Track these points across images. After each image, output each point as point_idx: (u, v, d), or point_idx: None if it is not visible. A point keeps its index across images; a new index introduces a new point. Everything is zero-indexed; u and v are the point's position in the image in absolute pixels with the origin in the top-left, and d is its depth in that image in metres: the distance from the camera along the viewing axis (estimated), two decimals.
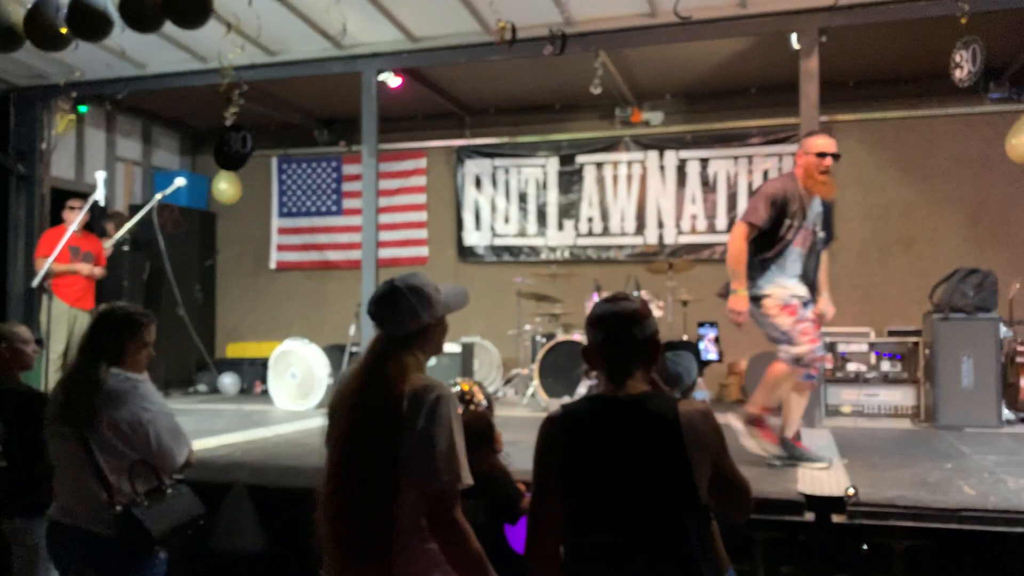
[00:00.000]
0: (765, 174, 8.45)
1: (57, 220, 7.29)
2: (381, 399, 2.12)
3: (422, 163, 9.58)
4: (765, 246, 4.38)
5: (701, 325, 3.35)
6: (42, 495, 3.37)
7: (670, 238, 8.73)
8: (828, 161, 4.41)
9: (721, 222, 8.58)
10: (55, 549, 2.96)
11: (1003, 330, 6.19)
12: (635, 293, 7.16)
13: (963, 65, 5.48)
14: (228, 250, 10.14)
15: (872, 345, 6.80)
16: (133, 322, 3.04)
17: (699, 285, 7.81)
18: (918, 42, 6.58)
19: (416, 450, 2.07)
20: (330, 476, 2.17)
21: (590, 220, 9.03)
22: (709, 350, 3.28)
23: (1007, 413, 6.14)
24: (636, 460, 2.02)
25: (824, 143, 4.46)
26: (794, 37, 6.24)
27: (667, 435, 2.01)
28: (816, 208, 4.51)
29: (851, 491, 3.68)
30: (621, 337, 2.12)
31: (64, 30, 5.24)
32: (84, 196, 6.83)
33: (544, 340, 7.37)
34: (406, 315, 2.21)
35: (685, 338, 7.38)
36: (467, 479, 2.11)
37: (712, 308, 7.40)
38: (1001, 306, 6.31)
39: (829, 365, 6.73)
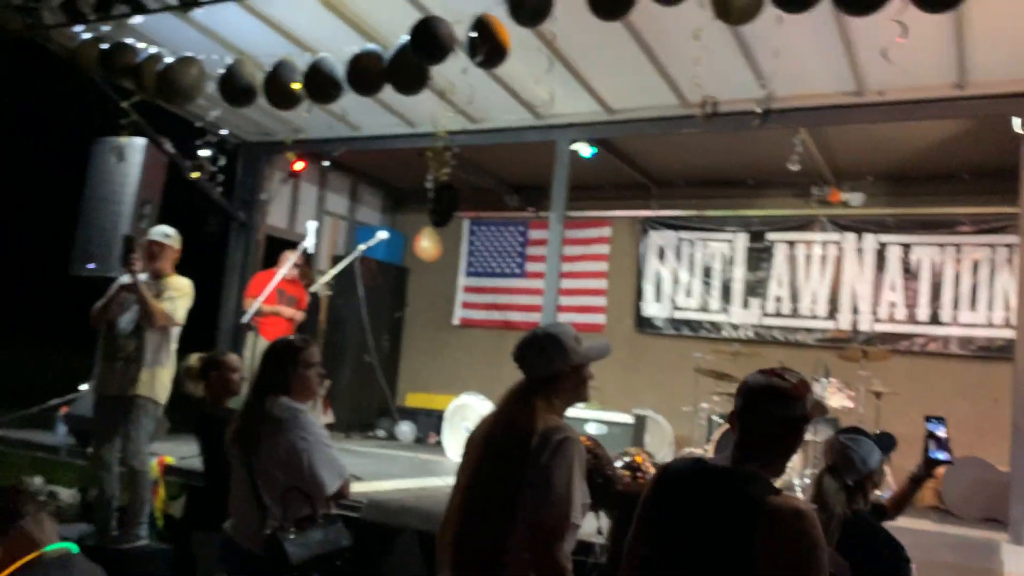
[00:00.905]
0: (975, 264, 7.88)
1: (269, 265, 7.93)
2: (510, 434, 2.29)
3: (606, 232, 9.67)
4: None
5: (929, 420, 3.13)
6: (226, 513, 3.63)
7: (865, 325, 8.28)
8: None
9: (923, 312, 8.06)
10: (224, 562, 3.18)
11: None
12: (823, 379, 6.82)
13: None
14: (416, 304, 10.59)
15: None
16: (291, 349, 3.23)
17: (894, 377, 7.35)
18: None
19: (534, 483, 2.19)
20: (455, 503, 2.35)
21: (778, 300, 8.74)
22: (938, 450, 3.04)
23: None
24: (703, 536, 1.92)
25: None
26: (1017, 121, 5.84)
27: (742, 519, 1.88)
28: None
29: None
30: (756, 410, 2.05)
31: (297, 87, 5.74)
32: (296, 245, 7.38)
33: (720, 420, 7.13)
34: (541, 359, 2.40)
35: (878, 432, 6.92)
36: (577, 520, 2.21)
37: (905, 411, 6.93)
38: None
39: None
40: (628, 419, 7.54)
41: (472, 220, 10.42)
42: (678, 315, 9.24)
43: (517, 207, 10.03)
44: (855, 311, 8.34)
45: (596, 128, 7.34)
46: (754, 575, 1.85)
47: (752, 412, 2.07)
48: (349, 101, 6.24)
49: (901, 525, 5.33)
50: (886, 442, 2.89)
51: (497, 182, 9.86)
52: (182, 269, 5.56)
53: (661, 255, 9.37)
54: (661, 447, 8.22)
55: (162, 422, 5.55)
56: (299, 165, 8.88)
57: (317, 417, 8.37)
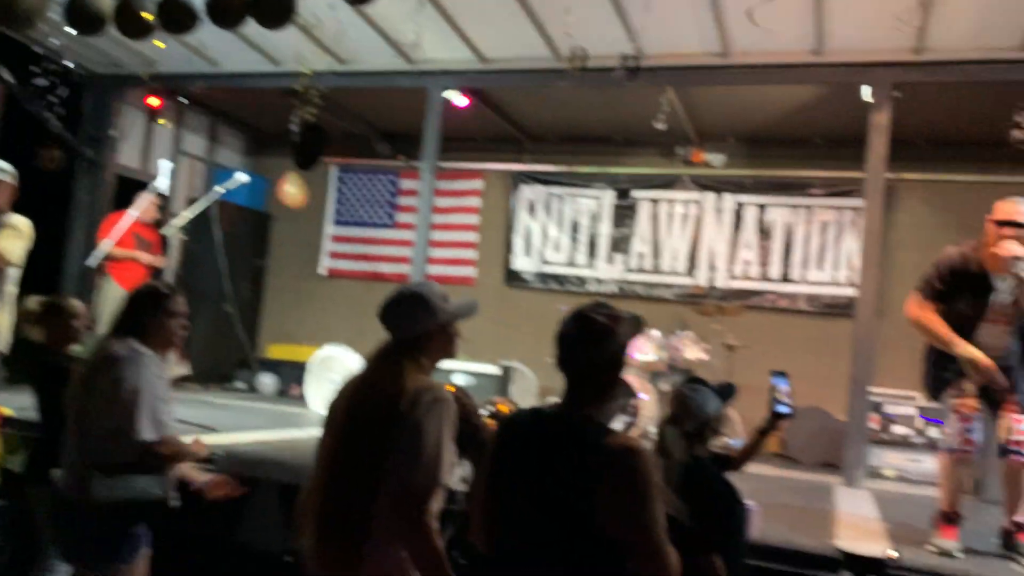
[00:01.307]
0: (824, 226, 8.33)
1: (122, 206, 7.45)
2: (378, 396, 2.23)
3: (478, 184, 9.62)
4: None
5: (773, 375, 3.25)
6: None
7: (721, 282, 8.62)
8: (1008, 231, 3.95)
9: (775, 271, 8.46)
10: (54, 516, 3.05)
11: None
12: (680, 333, 7.08)
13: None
14: (280, 252, 10.26)
15: (920, 410, 6.61)
16: (156, 295, 3.08)
17: (746, 331, 7.69)
18: (992, 106, 6.45)
19: (404, 444, 2.14)
20: (320, 468, 2.27)
21: (641, 256, 8.97)
22: (781, 404, 3.17)
23: None
24: (547, 481, 1.99)
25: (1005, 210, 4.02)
26: (867, 89, 6.15)
27: (585, 462, 1.95)
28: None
29: (894, 554, 3.55)
30: (576, 358, 2.09)
31: (150, 17, 5.36)
32: (147, 185, 6.96)
33: None
34: (408, 318, 2.35)
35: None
36: (446, 481, 2.18)
37: (756, 364, 7.28)
38: None
39: (874, 425, 6.56)
40: (495, 370, 7.60)
41: (340, 167, 10.14)
42: (546, 269, 9.35)
43: (388, 155, 9.81)
44: (712, 268, 8.67)
45: (469, 77, 7.24)
46: (596, 514, 1.91)
47: (573, 360, 2.10)
48: (208, 34, 5.90)
49: (747, 470, 5.64)
50: (726, 392, 2.99)
51: (368, 128, 9.60)
52: (22, 208, 5.14)
53: (531, 210, 9.42)
54: (527, 397, 8.35)
55: None
56: (154, 101, 8.33)
57: (171, 367, 8.03)
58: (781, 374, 3.20)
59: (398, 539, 2.14)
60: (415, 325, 2.34)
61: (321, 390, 7.44)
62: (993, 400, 4.06)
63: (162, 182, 6.68)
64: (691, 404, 2.85)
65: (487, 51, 6.95)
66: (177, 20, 5.44)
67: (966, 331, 4.04)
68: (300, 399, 8.04)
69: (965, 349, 3.94)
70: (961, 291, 4.05)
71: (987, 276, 4.02)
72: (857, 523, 4.43)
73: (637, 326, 2.18)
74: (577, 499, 1.94)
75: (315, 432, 6.06)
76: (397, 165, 9.81)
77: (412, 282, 2.48)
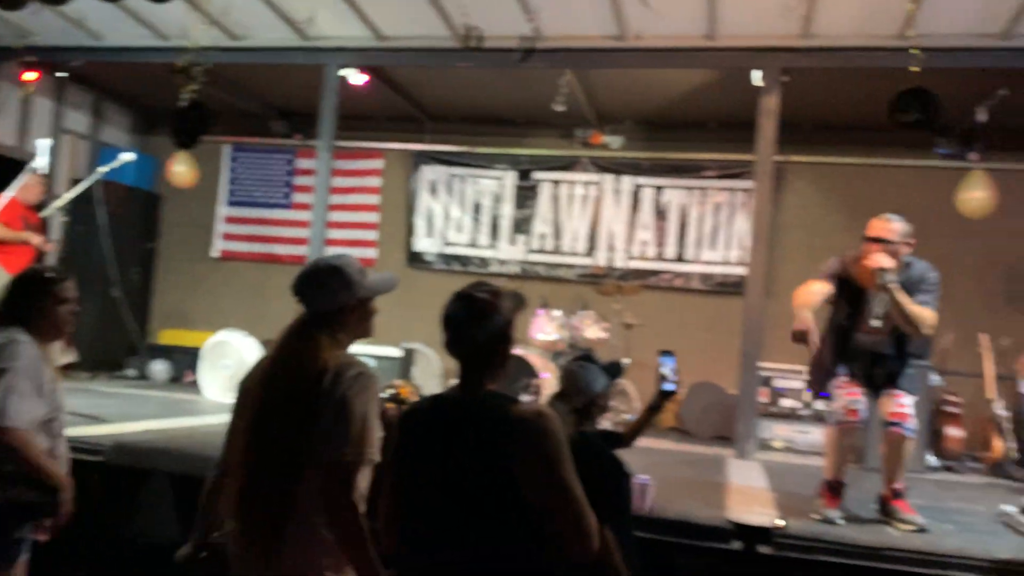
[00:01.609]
0: (717, 207, 8.57)
1: None
2: (296, 373, 2.16)
3: (378, 164, 9.49)
4: None
5: (661, 355, 3.33)
6: None
7: (620, 262, 8.78)
8: (875, 247, 4.11)
9: (670, 251, 8.67)
10: None
11: (933, 378, 6.34)
12: (581, 312, 7.18)
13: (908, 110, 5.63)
14: (171, 235, 9.89)
15: (807, 383, 6.89)
16: (41, 280, 2.94)
17: (644, 310, 7.87)
18: (875, 91, 6.74)
19: (330, 419, 2.09)
20: (237, 452, 2.20)
21: (542, 237, 9.04)
22: (668, 382, 3.26)
23: (932, 460, 6.29)
24: (460, 458, 2.01)
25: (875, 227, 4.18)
26: (757, 74, 6.34)
27: (494, 433, 1.99)
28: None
29: (780, 523, 3.71)
30: (464, 338, 2.12)
31: None
32: (24, 165, 6.59)
33: None
34: (324, 293, 2.27)
35: (627, 361, 7.42)
36: (374, 456, 2.13)
37: (653, 342, 7.46)
38: (933, 355, 6.46)
39: (764, 399, 6.83)
40: (397, 352, 7.55)
41: (234, 146, 9.82)
42: (449, 250, 9.32)
43: (284, 134, 9.56)
44: (611, 249, 8.82)
45: (367, 55, 7.12)
46: (515, 485, 1.95)
47: (462, 340, 2.13)
48: (88, 5, 5.59)
49: (644, 445, 5.79)
50: (613, 370, 3.08)
51: (262, 106, 9.33)
52: None
53: (433, 190, 9.36)
54: (429, 379, 8.33)
55: None
56: (30, 75, 7.86)
57: (57, 356, 7.61)
58: (668, 353, 3.29)
59: (324, 519, 2.10)
60: (332, 299, 2.26)
61: (216, 376, 7.25)
62: (876, 386, 4.29)
63: (41, 161, 6.31)
64: (579, 381, 2.93)
65: (385, 28, 6.84)
66: None
67: (844, 338, 4.30)
68: (194, 386, 7.80)
69: (801, 312, 4.18)
70: (840, 298, 4.26)
71: (863, 290, 4.23)
72: (747, 494, 4.61)
73: (519, 301, 2.22)
74: (495, 474, 1.96)
75: (209, 419, 5.91)
76: (294, 144, 9.57)
77: (330, 255, 2.38)
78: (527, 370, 6.62)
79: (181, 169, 8.52)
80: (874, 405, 4.32)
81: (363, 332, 2.37)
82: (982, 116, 6.81)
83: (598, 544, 2.02)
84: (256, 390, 2.23)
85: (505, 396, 2.10)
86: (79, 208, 7.45)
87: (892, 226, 4.15)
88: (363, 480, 2.14)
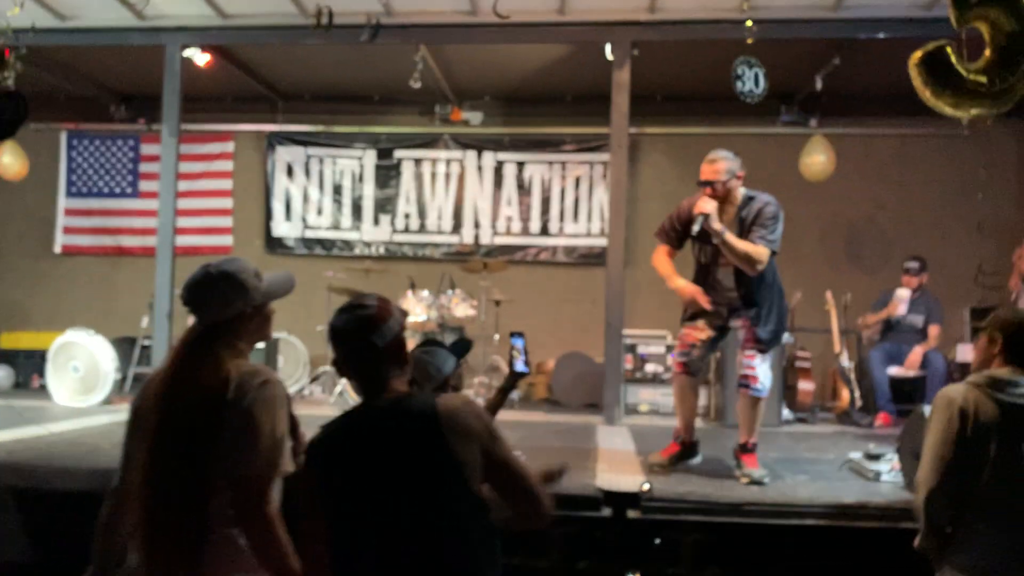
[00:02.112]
0: (577, 180, 8.70)
1: None
2: (196, 388, 2.05)
3: (229, 147, 9.11)
4: None
5: (512, 336, 3.35)
6: None
7: (486, 238, 8.80)
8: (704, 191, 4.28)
9: (534, 225, 8.75)
10: None
11: (785, 336, 6.68)
12: (449, 292, 7.16)
13: (745, 81, 5.86)
14: (7, 230, 9.20)
15: (669, 348, 7.14)
16: None
17: (511, 285, 7.94)
18: (719, 63, 6.98)
19: (236, 433, 2.00)
20: (140, 478, 2.06)
21: (407, 216, 8.94)
22: (519, 363, 3.28)
23: (787, 413, 6.65)
24: (399, 465, 1.97)
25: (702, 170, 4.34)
26: (608, 48, 6.45)
27: (427, 431, 1.98)
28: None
29: (646, 487, 3.82)
30: (363, 348, 2.08)
31: None
32: None
33: None
34: (219, 302, 2.15)
35: (497, 337, 7.47)
36: (286, 467, 2.06)
37: (522, 316, 7.55)
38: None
39: (629, 365, 7.02)
40: (260, 344, 7.30)
41: (71, 132, 9.20)
42: (310, 234, 9.08)
43: (126, 119, 9.03)
44: (477, 225, 8.83)
45: (210, 34, 6.79)
46: (462, 473, 1.95)
47: (359, 353, 2.08)
48: None
49: (515, 419, 5.85)
50: (460, 348, 3.09)
51: (101, 90, 8.77)
52: None
53: (290, 172, 9.07)
54: (296, 368, 8.14)
55: None
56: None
57: None
58: (518, 335, 3.31)
59: (239, 532, 2.02)
60: (227, 307, 2.15)
61: (64, 379, 6.81)
62: (725, 332, 4.50)
63: None
64: (428, 367, 2.95)
65: (226, 6, 6.54)
66: None
67: (705, 274, 4.43)
68: (42, 391, 7.32)
69: (674, 283, 4.35)
70: (695, 241, 4.39)
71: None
72: (616, 459, 4.72)
73: (405, 313, 2.22)
74: (441, 470, 1.95)
75: (60, 426, 5.55)
76: (138, 129, 9.07)
77: (220, 259, 2.22)
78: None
79: (7, 160, 7.93)
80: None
81: (262, 337, 2.28)
82: (819, 84, 7.18)
83: (551, 506, 2.08)
84: (151, 412, 2.09)
85: (423, 394, 2.12)
86: None
87: (717, 166, 4.30)
88: (276, 491, 2.05)
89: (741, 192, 4.37)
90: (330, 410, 6.75)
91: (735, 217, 4.31)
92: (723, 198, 4.27)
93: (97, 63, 7.99)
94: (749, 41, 5.60)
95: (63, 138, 9.20)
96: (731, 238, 4.17)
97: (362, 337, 2.07)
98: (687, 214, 4.36)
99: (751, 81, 5.75)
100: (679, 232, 4.45)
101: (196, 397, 2.05)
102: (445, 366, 2.98)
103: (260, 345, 7.10)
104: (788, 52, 6.65)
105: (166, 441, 2.04)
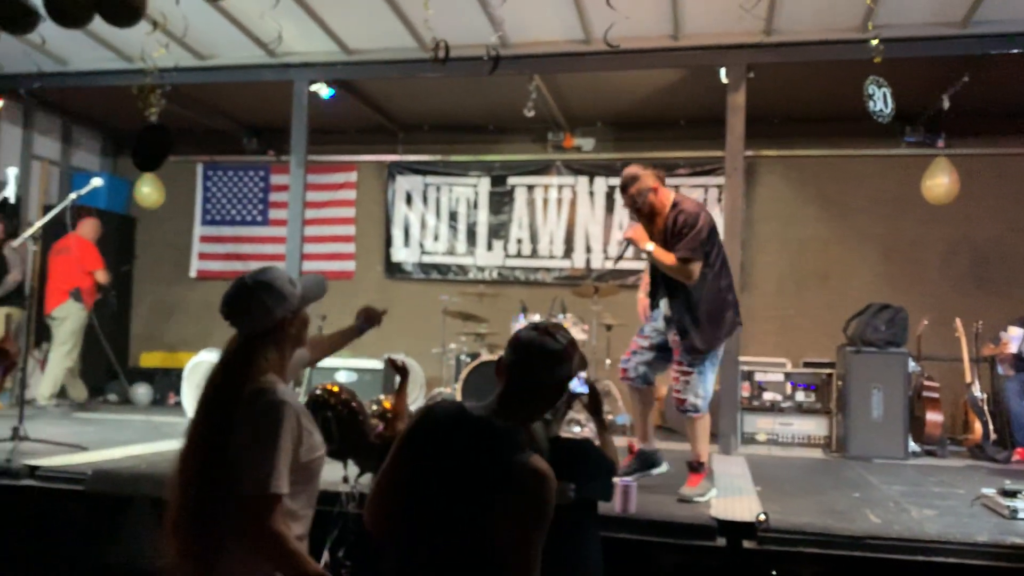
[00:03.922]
0: None
1: None
2: (223, 399, 2.10)
3: (352, 177, 9.49)
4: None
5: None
6: None
7: (597, 263, 8.82)
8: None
9: None
10: None
11: (911, 365, 6.41)
12: (560, 316, 7.20)
13: (876, 101, 5.71)
14: (147, 256, 9.84)
15: (787, 375, 6.95)
16: None
17: (622, 310, 7.90)
18: (839, 83, 6.82)
19: (235, 452, 2.04)
20: (175, 469, 2.14)
21: (519, 242, 9.07)
22: (577, 384, 3.31)
23: (913, 446, 6.35)
24: (452, 481, 2.01)
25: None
26: (723, 71, 6.40)
27: (488, 475, 1.98)
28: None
29: (762, 517, 3.74)
30: (528, 371, 2.11)
31: None
32: None
33: (468, 359, 7.34)
34: (260, 311, 2.18)
35: (608, 362, 7.46)
36: (279, 489, 2.05)
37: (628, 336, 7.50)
38: (910, 341, 6.54)
39: (746, 393, 6.87)
40: (378, 365, 7.54)
41: (207, 164, 9.78)
42: (426, 259, 9.32)
43: (257, 151, 9.54)
44: (588, 250, 8.85)
45: (335, 69, 7.13)
46: (491, 523, 1.94)
47: (524, 371, 2.11)
48: (51, 31, 5.56)
49: (625, 447, 5.81)
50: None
51: (234, 124, 9.31)
52: None
53: (408, 200, 9.36)
54: (412, 389, 8.33)
55: None
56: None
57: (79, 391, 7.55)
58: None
59: (249, 548, 2.05)
60: (267, 317, 2.18)
61: (197, 396, 7.21)
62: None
63: (8, 190, 6.27)
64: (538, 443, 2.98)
65: (351, 42, 6.85)
66: (14, 20, 5.10)
67: (655, 287, 4.60)
68: (178, 407, 7.77)
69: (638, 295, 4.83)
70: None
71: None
72: (732, 489, 4.63)
73: (584, 364, 2.28)
74: (476, 503, 1.96)
75: None
76: (268, 160, 9.56)
77: (254, 270, 2.25)
78: None
79: (147, 191, 8.49)
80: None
81: (300, 343, 2.30)
82: (946, 103, 6.89)
83: None
84: (193, 416, 2.18)
85: (521, 438, 2.06)
86: (52, 235, 7.40)
87: (629, 193, 4.36)
88: (279, 510, 2.06)
89: (670, 199, 4.38)
90: None
91: (663, 227, 4.33)
92: (650, 214, 4.34)
93: (230, 99, 8.48)
94: (877, 60, 5.44)
95: (199, 169, 9.79)
96: (658, 254, 4.26)
97: (537, 364, 2.11)
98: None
99: (880, 101, 5.59)
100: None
101: (217, 409, 2.10)
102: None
103: (378, 366, 7.33)
104: (912, 70, 6.43)
105: (194, 448, 2.11)
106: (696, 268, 4.20)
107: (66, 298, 7.58)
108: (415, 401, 8.18)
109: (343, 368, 7.46)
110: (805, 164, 8.42)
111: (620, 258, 4.70)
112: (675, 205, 4.33)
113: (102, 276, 7.77)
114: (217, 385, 2.16)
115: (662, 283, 4.45)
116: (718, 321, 4.35)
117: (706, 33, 6.38)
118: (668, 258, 4.22)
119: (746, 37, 6.32)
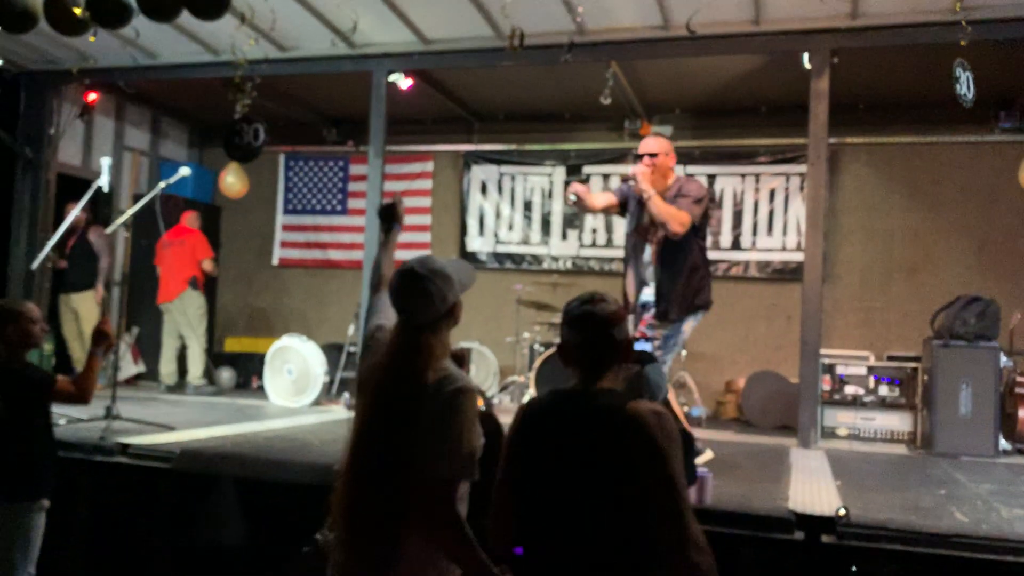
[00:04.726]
0: (772, 193, 8.44)
1: (62, 205, 7.33)
2: (406, 387, 2.12)
3: (428, 166, 9.58)
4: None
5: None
6: (36, 479, 3.37)
7: None
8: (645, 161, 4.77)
9: (725, 239, 8.56)
10: None
11: (1003, 359, 6.15)
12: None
13: (961, 84, 5.52)
14: (231, 245, 10.14)
15: (871, 369, 6.76)
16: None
17: None
18: (928, 68, 6.57)
19: (428, 437, 2.07)
20: (350, 456, 2.16)
21: (594, 231, 9.02)
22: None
23: (1004, 443, 6.10)
24: (579, 454, 2.04)
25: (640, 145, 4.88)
26: (806, 57, 6.22)
27: (611, 431, 2.02)
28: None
29: (842, 511, 3.65)
30: (601, 339, 2.14)
31: (81, 12, 5.24)
32: (89, 183, 6.83)
33: (542, 349, 7.35)
34: (435, 299, 2.19)
35: (684, 353, 7.37)
36: (473, 474, 2.11)
37: (710, 332, 7.40)
38: (1002, 336, 6.27)
39: (826, 386, 6.70)
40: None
41: (288, 155, 10.02)
42: (501, 249, 9.36)
43: (336, 141, 9.72)
44: None
45: (412, 59, 7.18)
46: (631, 475, 1.98)
47: (596, 343, 2.14)
48: (143, 25, 5.77)
49: (706, 437, 5.75)
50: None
51: (314, 115, 9.51)
52: None
53: (484, 189, 9.41)
54: (487, 378, 8.40)
55: None
56: (91, 96, 8.15)
57: (128, 366, 8.01)
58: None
59: (427, 534, 2.08)
60: (443, 303, 2.20)
61: (279, 381, 7.41)
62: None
63: (103, 179, 6.54)
64: (645, 391, 2.98)
65: (428, 32, 6.90)
66: (109, 14, 5.31)
67: (635, 253, 4.83)
68: (260, 391, 8.00)
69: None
70: (632, 216, 4.82)
71: (641, 202, 4.74)
72: (810, 483, 4.53)
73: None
74: (611, 463, 2.00)
75: (273, 424, 6.05)
76: (347, 151, 9.73)
77: (414, 259, 2.26)
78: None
79: (231, 181, 8.73)
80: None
81: (457, 323, 2.32)
82: None
83: (707, 561, 1.99)
84: (368, 397, 2.20)
85: (621, 393, 2.11)
86: (142, 223, 7.69)
87: (656, 140, 4.86)
88: (463, 497, 2.12)
89: (676, 175, 4.82)
90: None
91: (664, 193, 4.66)
92: (658, 175, 4.69)
93: (311, 90, 8.65)
94: (963, 43, 5.23)
95: (281, 160, 10.03)
96: (657, 200, 4.53)
97: (603, 329, 2.14)
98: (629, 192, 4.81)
99: (965, 85, 5.39)
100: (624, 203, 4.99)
101: (399, 395, 2.11)
102: (660, 390, 3.01)
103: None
104: (1009, 53, 6.15)
105: (373, 431, 2.13)
106: (688, 220, 4.51)
107: (185, 287, 8.06)
108: (489, 389, 8.24)
109: None
110: (892, 152, 8.15)
111: (573, 204, 4.79)
112: (679, 179, 4.79)
113: (208, 265, 8.22)
114: (396, 375, 2.15)
115: (656, 259, 4.74)
116: (695, 292, 4.82)
117: (789, 18, 6.20)
118: (659, 202, 4.53)
119: (830, 21, 6.12)
